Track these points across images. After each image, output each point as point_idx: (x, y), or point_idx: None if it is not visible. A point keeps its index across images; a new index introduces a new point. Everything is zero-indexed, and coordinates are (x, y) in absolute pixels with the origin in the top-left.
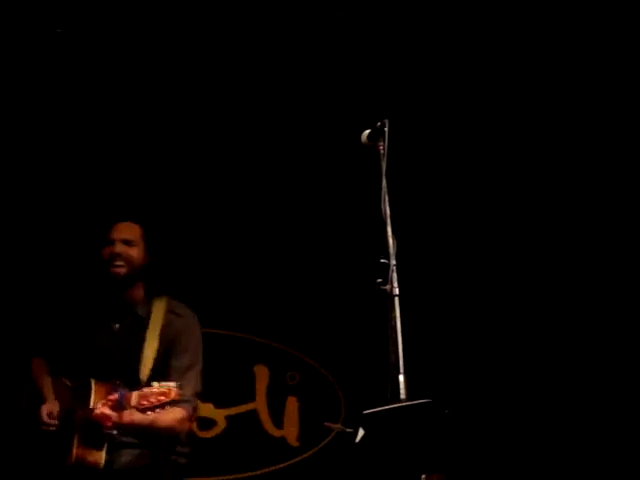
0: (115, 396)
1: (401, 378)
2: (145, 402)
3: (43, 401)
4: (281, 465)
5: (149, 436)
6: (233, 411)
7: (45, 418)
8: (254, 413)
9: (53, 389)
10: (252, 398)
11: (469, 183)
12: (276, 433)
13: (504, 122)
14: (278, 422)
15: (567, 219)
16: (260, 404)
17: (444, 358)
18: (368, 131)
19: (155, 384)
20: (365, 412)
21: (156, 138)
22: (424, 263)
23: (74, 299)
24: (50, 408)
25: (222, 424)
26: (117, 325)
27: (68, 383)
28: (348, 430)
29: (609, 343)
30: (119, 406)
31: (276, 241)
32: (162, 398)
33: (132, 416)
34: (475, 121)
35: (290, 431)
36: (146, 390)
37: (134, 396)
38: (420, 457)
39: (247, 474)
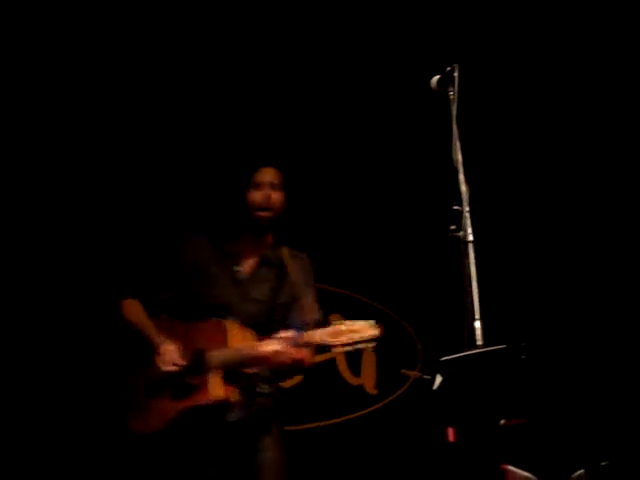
0: (289, 334)
1: (477, 324)
2: (345, 337)
3: (148, 342)
4: (359, 413)
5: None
6: None
7: (176, 358)
8: (332, 362)
9: (162, 330)
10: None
11: (541, 128)
12: (354, 381)
13: (577, 70)
14: (356, 371)
15: None
16: (338, 353)
17: (520, 303)
18: (438, 77)
19: (338, 322)
20: (442, 359)
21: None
22: (498, 209)
23: (200, 241)
24: (176, 348)
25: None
26: (248, 269)
27: (177, 322)
28: (425, 377)
29: None
30: (293, 344)
31: (350, 190)
32: (355, 336)
33: (302, 353)
34: (549, 65)
35: (368, 379)
36: (336, 327)
37: (319, 334)
38: (498, 403)
39: (326, 422)
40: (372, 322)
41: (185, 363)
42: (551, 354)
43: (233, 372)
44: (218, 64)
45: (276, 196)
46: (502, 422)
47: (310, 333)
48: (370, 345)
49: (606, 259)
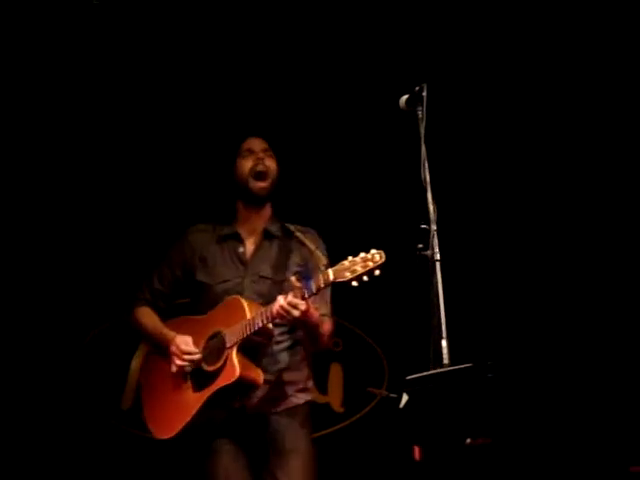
0: (299, 284)
1: (444, 343)
2: (348, 273)
3: (160, 344)
4: (326, 431)
5: (310, 341)
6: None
7: (184, 347)
8: None
9: (180, 328)
10: None
11: (508, 146)
12: (320, 399)
13: (546, 84)
14: (322, 389)
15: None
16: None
17: (486, 322)
18: (406, 96)
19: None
20: (408, 377)
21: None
22: (465, 228)
23: (198, 231)
24: (185, 338)
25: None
26: (251, 247)
27: (193, 317)
28: (391, 395)
29: None
30: (308, 291)
31: (317, 207)
32: (369, 264)
33: (314, 310)
34: (515, 84)
35: (334, 397)
36: (345, 262)
37: (332, 272)
38: (464, 422)
39: None
40: (373, 251)
41: (199, 350)
42: (516, 373)
43: (253, 349)
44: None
45: (270, 162)
46: (468, 441)
47: (322, 275)
48: (377, 272)
49: (571, 279)
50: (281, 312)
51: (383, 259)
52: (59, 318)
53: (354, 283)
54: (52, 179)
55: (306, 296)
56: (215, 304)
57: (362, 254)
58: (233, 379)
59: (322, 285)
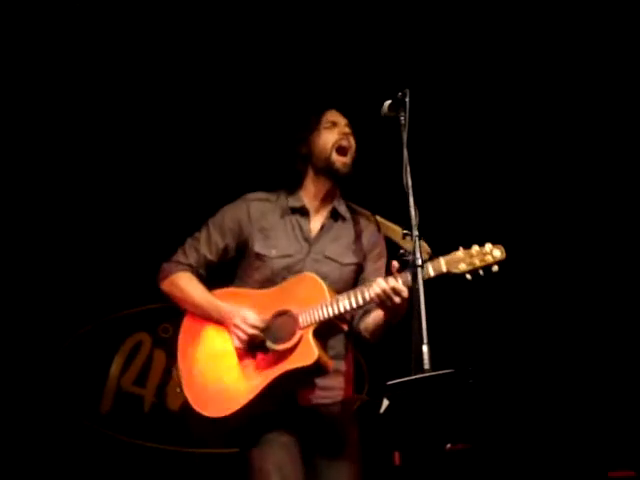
0: (403, 272)
1: (425, 348)
2: (463, 265)
3: (210, 314)
4: None
5: (382, 331)
6: None
7: (253, 320)
8: None
9: (223, 300)
10: None
11: (491, 151)
12: None
13: (527, 88)
14: None
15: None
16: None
17: (467, 328)
18: (389, 102)
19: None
20: (389, 383)
21: None
22: (447, 233)
23: (261, 199)
24: (251, 312)
25: None
26: (318, 225)
27: (247, 290)
28: (372, 400)
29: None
30: (407, 281)
31: None
32: (488, 258)
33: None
34: (497, 89)
35: None
36: (459, 253)
37: (444, 262)
38: (444, 427)
39: None
40: (489, 245)
41: (264, 326)
42: (497, 379)
43: (323, 334)
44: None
45: (353, 139)
46: (448, 446)
47: (432, 264)
48: (495, 268)
49: (552, 285)
50: (382, 296)
51: (504, 256)
52: (39, 321)
53: (468, 277)
54: (34, 185)
55: (410, 284)
56: (271, 279)
57: (476, 246)
58: (311, 361)
59: (432, 275)
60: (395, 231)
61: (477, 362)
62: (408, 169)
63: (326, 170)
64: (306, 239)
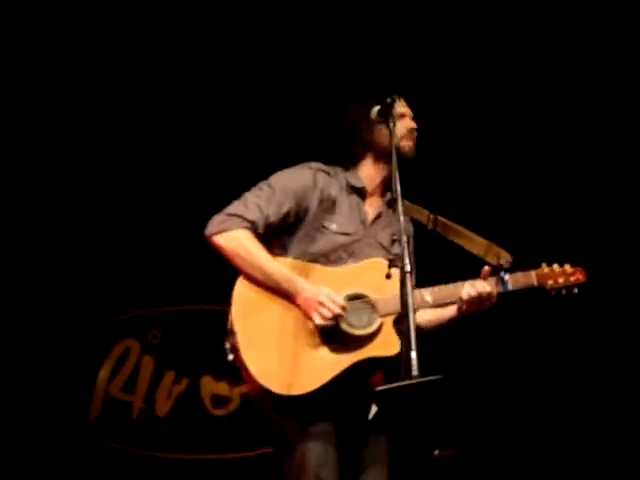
0: (494, 277)
1: (413, 354)
2: (550, 281)
3: (279, 285)
4: None
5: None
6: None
7: (339, 300)
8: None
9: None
10: None
11: (480, 157)
12: None
13: (515, 100)
14: None
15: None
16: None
17: (456, 334)
18: (378, 107)
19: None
20: (377, 389)
21: None
22: (436, 239)
23: (327, 172)
24: (331, 291)
25: (236, 401)
26: (374, 210)
27: (311, 264)
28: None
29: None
30: (504, 287)
31: None
32: (573, 279)
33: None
34: (489, 99)
35: None
36: (546, 269)
37: (535, 276)
38: (432, 433)
39: (262, 451)
40: (569, 266)
41: (347, 307)
42: (485, 385)
43: (397, 322)
44: None
45: (411, 123)
46: (436, 452)
47: (522, 275)
48: (575, 290)
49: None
50: (475, 299)
51: (585, 279)
52: (28, 326)
53: (553, 293)
54: (23, 194)
55: (500, 290)
56: (326, 254)
57: (556, 266)
58: (394, 351)
59: (522, 286)
60: (467, 236)
61: (465, 368)
62: (397, 175)
63: (389, 156)
64: (362, 222)
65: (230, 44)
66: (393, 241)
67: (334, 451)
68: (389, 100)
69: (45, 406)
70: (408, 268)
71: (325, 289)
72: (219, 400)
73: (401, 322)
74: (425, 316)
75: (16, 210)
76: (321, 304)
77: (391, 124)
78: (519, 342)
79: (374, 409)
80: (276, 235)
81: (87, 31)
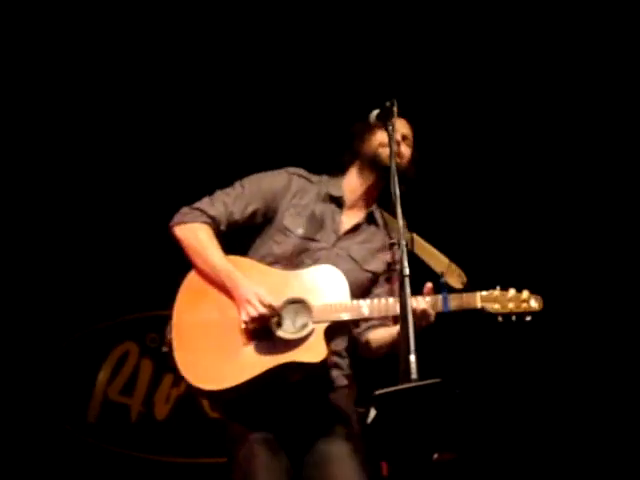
0: (435, 296)
1: (412, 358)
2: (497, 306)
3: (220, 279)
4: None
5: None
6: None
7: (269, 301)
8: None
9: (242, 269)
10: None
11: (478, 162)
12: None
13: (514, 103)
14: None
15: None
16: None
17: (455, 337)
18: (377, 111)
19: (500, 291)
20: (376, 392)
21: None
22: (436, 242)
23: (304, 177)
24: (266, 291)
25: None
26: (351, 222)
27: (263, 265)
28: (359, 410)
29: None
30: (445, 307)
31: None
32: (525, 306)
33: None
34: (485, 103)
35: None
36: (495, 292)
37: (479, 298)
38: (431, 437)
39: None
40: (527, 292)
41: (279, 309)
42: (484, 389)
43: (333, 331)
44: None
45: (405, 149)
46: (436, 456)
47: (466, 296)
48: (528, 318)
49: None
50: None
51: (541, 307)
52: (27, 329)
53: (499, 319)
54: (19, 196)
55: (440, 310)
56: (289, 257)
57: (513, 290)
58: (319, 359)
59: (464, 306)
60: (431, 253)
61: (464, 372)
62: (396, 179)
63: (370, 162)
64: (335, 231)
65: (226, 49)
66: (392, 245)
67: (281, 458)
68: (388, 104)
69: (44, 408)
70: (407, 272)
71: (258, 289)
72: None
73: (332, 331)
74: (370, 335)
75: (16, 212)
76: (248, 302)
77: (390, 128)
78: (518, 345)
79: (373, 413)
80: (250, 237)
81: (87, 31)
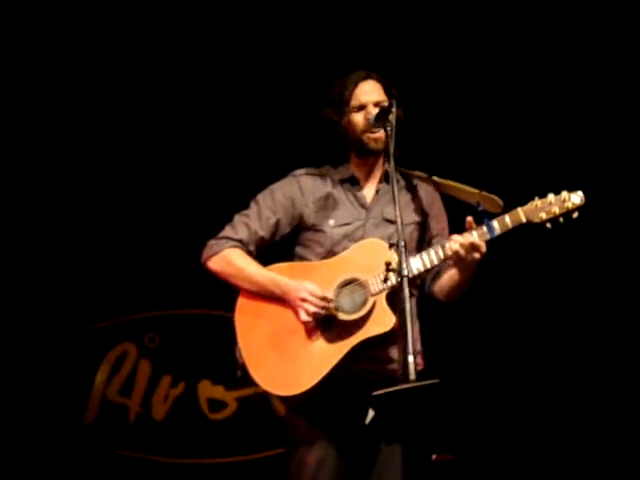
0: (479, 227)
1: (410, 359)
2: (543, 214)
3: (266, 290)
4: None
5: (459, 291)
6: (244, 393)
7: (320, 292)
8: (264, 395)
9: (286, 274)
10: None
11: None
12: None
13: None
14: None
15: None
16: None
17: (453, 338)
18: (375, 112)
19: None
20: (374, 393)
21: None
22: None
23: (311, 175)
24: (315, 285)
25: (233, 406)
26: (371, 190)
27: (304, 263)
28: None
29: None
30: (491, 233)
31: None
32: (568, 205)
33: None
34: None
35: None
36: (536, 202)
37: (522, 212)
38: (430, 438)
39: (258, 455)
40: (566, 192)
41: (332, 297)
42: (483, 390)
43: (395, 298)
44: None
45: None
46: (434, 457)
47: (509, 215)
48: (575, 214)
49: (539, 299)
50: (461, 253)
51: (583, 201)
52: (25, 329)
53: (548, 225)
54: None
55: (488, 238)
56: (332, 250)
57: (552, 195)
58: (389, 327)
59: (510, 226)
60: (459, 189)
61: (463, 373)
62: (395, 178)
63: (362, 151)
64: (362, 205)
65: (223, 49)
66: (390, 245)
67: (336, 456)
68: (387, 105)
69: (42, 409)
70: (406, 273)
71: (307, 284)
72: (216, 404)
73: (393, 298)
74: (435, 286)
75: (15, 214)
76: (303, 300)
77: (388, 129)
78: (518, 345)
79: (371, 413)
80: (289, 250)
81: (87, 31)
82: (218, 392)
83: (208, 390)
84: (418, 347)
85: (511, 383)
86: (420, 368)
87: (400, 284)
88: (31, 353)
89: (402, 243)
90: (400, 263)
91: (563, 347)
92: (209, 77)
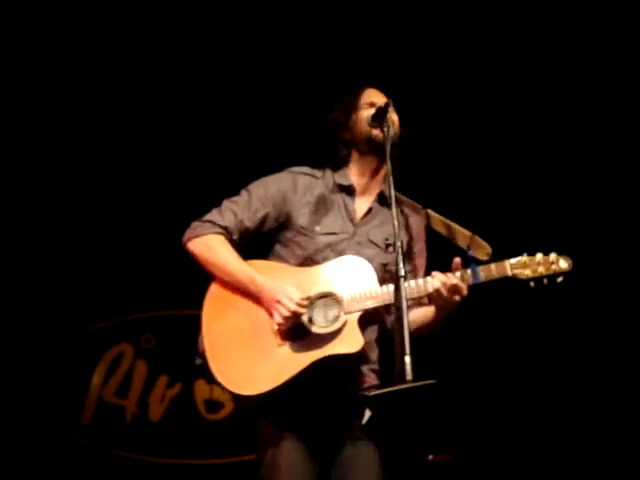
0: (464, 270)
1: (407, 359)
2: (528, 271)
3: (244, 285)
4: None
5: (430, 327)
6: None
7: (298, 299)
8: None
9: (265, 272)
10: None
11: (472, 154)
12: None
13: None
14: None
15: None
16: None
17: (450, 338)
18: (372, 112)
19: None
20: (371, 394)
21: None
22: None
23: (308, 174)
24: (293, 289)
25: (229, 406)
26: (364, 207)
27: (283, 265)
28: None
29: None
30: (474, 279)
31: None
32: (555, 268)
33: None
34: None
35: None
36: (524, 259)
37: (509, 265)
38: (427, 438)
39: (255, 456)
40: (554, 255)
41: (307, 305)
42: (480, 390)
43: (366, 321)
44: None
45: (395, 114)
46: (431, 457)
47: (495, 265)
48: (559, 279)
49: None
50: (442, 292)
51: (570, 268)
52: (21, 331)
53: (531, 284)
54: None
55: (471, 283)
56: (312, 256)
57: (540, 254)
58: (356, 349)
59: (495, 276)
60: (452, 227)
61: (460, 373)
62: (391, 180)
63: (369, 146)
64: (351, 220)
65: (223, 49)
66: (387, 245)
67: (306, 460)
68: (383, 105)
69: (38, 410)
70: (402, 273)
71: (286, 287)
72: (213, 405)
73: (365, 320)
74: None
75: (14, 214)
76: (279, 302)
77: (385, 129)
78: (515, 346)
79: (368, 414)
80: (268, 245)
81: (86, 31)
82: (215, 392)
83: (205, 390)
84: (376, 366)
85: (510, 383)
86: (375, 383)
87: (396, 284)
88: (28, 354)
89: (398, 244)
90: (397, 264)
91: (562, 347)
92: (209, 77)
